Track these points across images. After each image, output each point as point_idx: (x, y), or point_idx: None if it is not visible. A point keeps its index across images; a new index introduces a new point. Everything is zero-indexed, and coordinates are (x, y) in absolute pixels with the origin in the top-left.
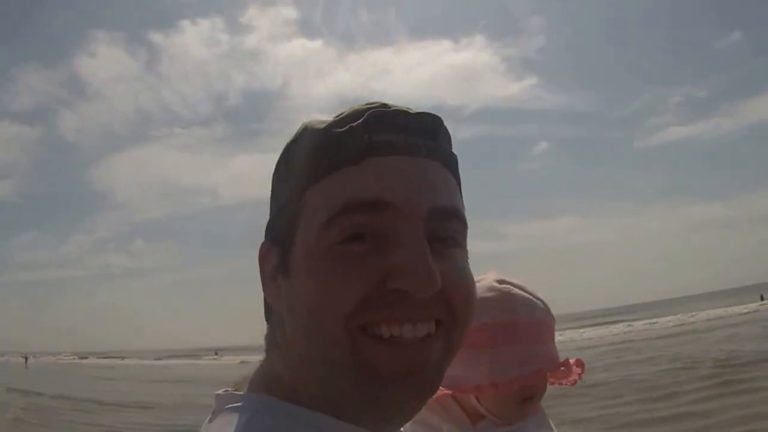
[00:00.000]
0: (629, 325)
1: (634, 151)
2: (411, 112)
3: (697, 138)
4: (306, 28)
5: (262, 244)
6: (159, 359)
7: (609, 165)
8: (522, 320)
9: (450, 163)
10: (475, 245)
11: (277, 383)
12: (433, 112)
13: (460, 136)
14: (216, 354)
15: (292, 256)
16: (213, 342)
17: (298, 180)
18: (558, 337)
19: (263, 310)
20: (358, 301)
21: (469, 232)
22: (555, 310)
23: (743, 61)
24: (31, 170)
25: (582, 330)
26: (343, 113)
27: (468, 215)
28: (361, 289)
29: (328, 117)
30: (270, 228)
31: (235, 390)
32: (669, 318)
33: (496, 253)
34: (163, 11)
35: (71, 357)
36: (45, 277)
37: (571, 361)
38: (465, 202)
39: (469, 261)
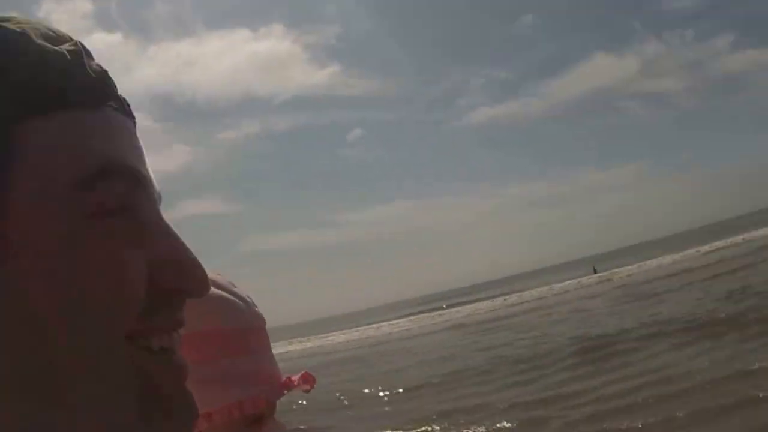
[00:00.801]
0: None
1: (450, 131)
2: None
3: (507, 117)
4: (103, 20)
5: None
6: None
7: (425, 147)
8: (227, 328)
9: None
10: (314, 236)
11: None
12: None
13: (276, 127)
14: None
15: (6, 228)
16: None
17: None
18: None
19: None
20: (128, 305)
21: (307, 223)
22: (414, 293)
23: (538, 42)
24: None
25: (433, 313)
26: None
27: (301, 206)
28: (132, 289)
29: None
30: None
31: None
32: (511, 296)
33: (337, 243)
34: None
35: None
36: None
37: (295, 378)
38: (295, 194)
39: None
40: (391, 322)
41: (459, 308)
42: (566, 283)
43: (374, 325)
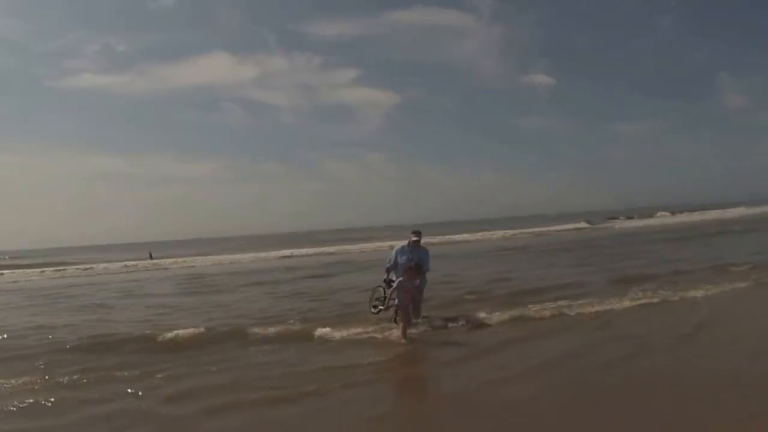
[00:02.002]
0: None
1: (48, 89)
2: None
3: (110, 89)
4: None
5: None
6: None
7: (19, 97)
8: None
9: None
10: None
11: None
12: None
13: None
14: None
15: None
16: None
17: None
18: None
19: None
20: None
21: None
22: None
23: (169, 24)
24: None
25: None
26: None
27: None
28: None
29: None
30: None
31: None
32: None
33: None
34: None
35: None
36: None
37: None
38: None
39: None
40: None
41: None
42: (123, 263)
43: None
